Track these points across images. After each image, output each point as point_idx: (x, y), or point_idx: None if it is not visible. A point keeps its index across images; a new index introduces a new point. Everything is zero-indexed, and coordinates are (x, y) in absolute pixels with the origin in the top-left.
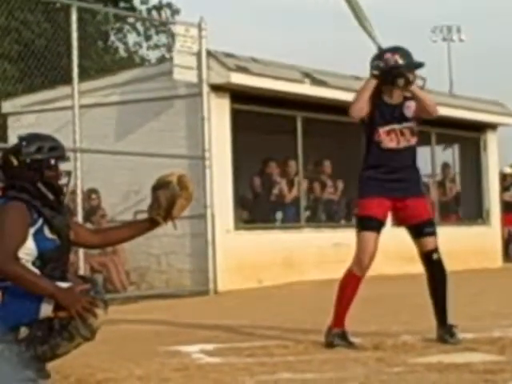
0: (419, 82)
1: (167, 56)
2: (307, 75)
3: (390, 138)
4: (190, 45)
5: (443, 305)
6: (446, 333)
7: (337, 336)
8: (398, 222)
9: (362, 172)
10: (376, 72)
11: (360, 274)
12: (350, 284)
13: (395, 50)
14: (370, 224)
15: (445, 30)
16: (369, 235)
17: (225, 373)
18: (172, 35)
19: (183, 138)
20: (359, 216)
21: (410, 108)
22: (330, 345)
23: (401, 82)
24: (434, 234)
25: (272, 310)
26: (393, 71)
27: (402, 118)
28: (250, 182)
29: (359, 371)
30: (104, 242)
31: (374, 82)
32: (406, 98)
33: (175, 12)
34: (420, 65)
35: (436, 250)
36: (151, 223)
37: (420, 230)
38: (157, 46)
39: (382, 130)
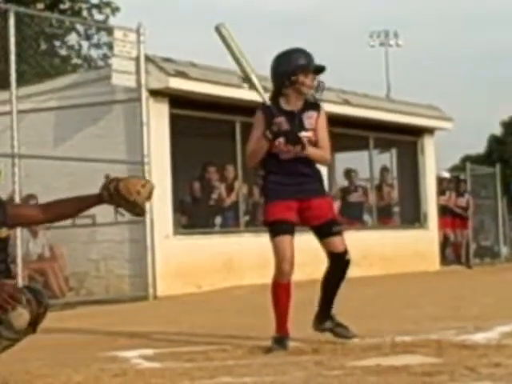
0: (316, 84)
1: (109, 54)
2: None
3: (286, 149)
4: (129, 50)
5: (333, 299)
6: (337, 326)
7: (274, 340)
8: (304, 223)
9: (264, 178)
10: (270, 136)
11: (285, 281)
12: (278, 292)
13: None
14: (281, 228)
15: (382, 35)
16: (283, 239)
17: (164, 378)
18: (111, 32)
19: (122, 143)
20: (269, 222)
21: (311, 118)
22: (268, 350)
23: (297, 148)
24: (340, 233)
25: (211, 315)
26: (288, 135)
27: (301, 127)
28: (189, 187)
29: (298, 375)
30: (51, 217)
31: (267, 144)
32: (305, 107)
33: (115, 10)
34: (322, 69)
35: (347, 252)
36: (98, 199)
37: (327, 230)
38: (98, 45)
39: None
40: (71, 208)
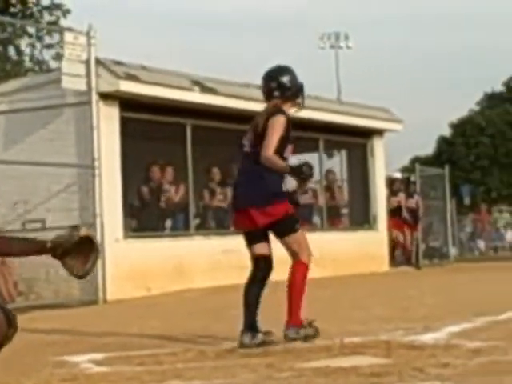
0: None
1: (62, 53)
2: (197, 83)
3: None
4: (79, 53)
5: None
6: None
7: (307, 324)
8: None
9: (273, 177)
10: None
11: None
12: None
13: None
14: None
15: (333, 38)
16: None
17: (114, 382)
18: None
19: (72, 147)
20: (290, 215)
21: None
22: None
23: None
24: None
25: (161, 319)
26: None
27: None
28: (136, 190)
29: (248, 377)
30: None
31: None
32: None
33: (66, 12)
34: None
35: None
36: (44, 249)
37: None
38: (51, 46)
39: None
40: (17, 248)
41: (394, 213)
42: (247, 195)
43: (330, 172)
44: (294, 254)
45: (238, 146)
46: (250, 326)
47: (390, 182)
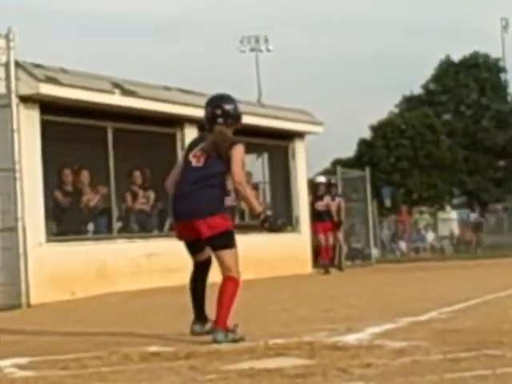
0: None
1: None
2: (117, 85)
3: None
4: None
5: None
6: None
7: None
8: None
9: (218, 193)
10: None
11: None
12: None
13: None
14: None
15: (253, 41)
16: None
17: None
18: None
19: None
20: (230, 230)
21: None
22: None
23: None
24: None
25: (86, 322)
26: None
27: None
28: (56, 193)
29: (173, 380)
30: None
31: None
32: None
33: None
34: None
35: None
36: None
37: None
38: None
39: None
40: None
41: (320, 217)
42: (193, 207)
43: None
44: (226, 269)
45: (183, 160)
46: (199, 316)
47: (313, 186)
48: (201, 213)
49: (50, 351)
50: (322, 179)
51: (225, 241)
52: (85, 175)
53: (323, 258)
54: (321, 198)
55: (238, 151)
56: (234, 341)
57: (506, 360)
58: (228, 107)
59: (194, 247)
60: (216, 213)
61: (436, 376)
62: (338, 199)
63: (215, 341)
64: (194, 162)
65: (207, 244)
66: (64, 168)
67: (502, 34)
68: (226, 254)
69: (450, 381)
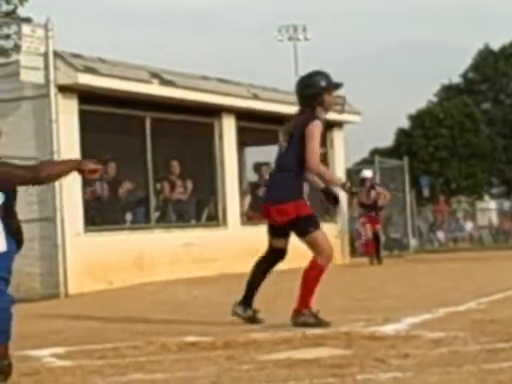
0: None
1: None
2: (155, 75)
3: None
4: (37, 45)
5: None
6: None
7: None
8: None
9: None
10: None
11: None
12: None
13: None
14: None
15: (291, 30)
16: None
17: (76, 376)
18: (20, 24)
19: (31, 140)
20: (305, 217)
21: None
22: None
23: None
24: None
25: (123, 312)
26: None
27: None
28: (98, 184)
29: (210, 370)
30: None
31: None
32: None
33: (23, 0)
34: (340, 85)
35: None
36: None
37: None
38: (8, 36)
39: None
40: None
41: (369, 209)
42: (270, 192)
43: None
44: (313, 253)
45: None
46: (247, 300)
47: (360, 182)
48: (273, 198)
49: (87, 341)
50: (367, 174)
51: (300, 227)
52: (141, 166)
53: (369, 250)
54: (368, 191)
55: (311, 129)
56: (316, 325)
57: None
58: (314, 85)
59: (271, 229)
60: (286, 199)
61: (474, 366)
62: (377, 188)
63: (296, 323)
64: (283, 147)
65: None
66: (115, 162)
67: None
68: (306, 240)
69: (488, 371)
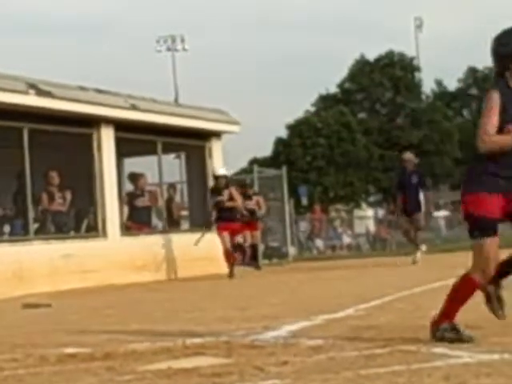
0: None
1: None
2: (32, 86)
3: None
4: None
5: None
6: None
7: (448, 328)
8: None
9: (475, 165)
10: None
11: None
12: (472, 289)
13: None
14: (490, 228)
15: (169, 40)
16: (492, 241)
17: None
18: None
19: None
20: (475, 216)
21: None
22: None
23: None
24: None
25: (1, 324)
26: None
27: None
28: None
29: (90, 381)
30: None
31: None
32: None
33: None
34: None
35: None
36: None
37: None
38: None
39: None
40: None
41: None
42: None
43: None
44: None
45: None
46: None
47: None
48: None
49: None
50: (222, 172)
51: (469, 228)
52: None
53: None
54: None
55: (486, 99)
56: (456, 340)
57: (420, 355)
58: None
59: None
60: (466, 189)
61: (351, 372)
62: (255, 198)
63: (435, 337)
64: None
65: None
66: None
67: (416, 33)
68: (472, 244)
69: (366, 377)
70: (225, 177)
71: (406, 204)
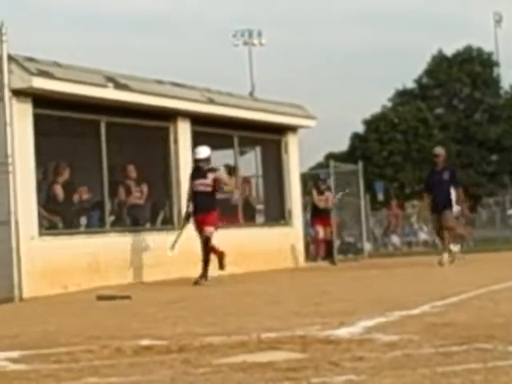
0: None
1: None
2: (110, 79)
3: None
4: None
5: None
6: None
7: None
8: None
9: None
10: None
11: None
12: None
13: None
14: None
15: (246, 34)
16: None
17: (30, 380)
18: None
19: None
20: None
21: None
22: None
23: None
24: None
25: (77, 316)
26: None
27: None
28: (52, 188)
29: (165, 373)
30: None
31: None
32: None
33: None
34: None
35: None
36: None
37: None
38: None
39: None
40: None
41: (321, 211)
42: None
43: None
44: None
45: None
46: None
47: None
48: None
49: (42, 345)
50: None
51: None
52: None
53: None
54: (322, 193)
55: None
56: None
57: (497, 353)
58: None
59: None
60: None
61: (428, 369)
62: (326, 194)
63: None
64: None
65: None
66: (60, 162)
67: (495, 28)
68: None
69: (442, 374)
70: (206, 160)
71: (436, 201)
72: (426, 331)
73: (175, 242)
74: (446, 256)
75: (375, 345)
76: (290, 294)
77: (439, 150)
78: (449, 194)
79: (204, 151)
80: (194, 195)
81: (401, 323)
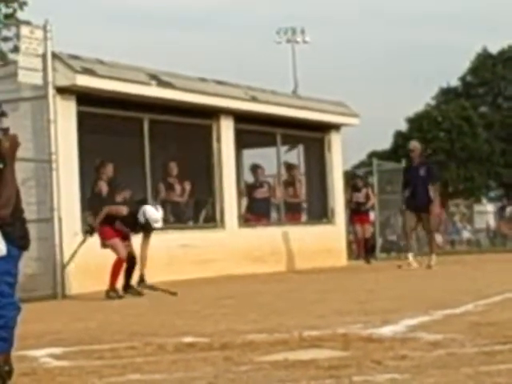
0: None
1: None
2: (153, 77)
3: None
4: (36, 47)
5: None
6: None
7: None
8: None
9: None
10: None
11: None
12: None
13: None
14: None
15: (289, 32)
16: None
17: (73, 376)
18: (18, 26)
19: (29, 141)
20: None
21: None
22: None
23: None
24: None
25: (121, 312)
26: None
27: None
28: (95, 185)
29: (207, 371)
30: None
31: None
32: None
33: (23, 4)
34: None
35: None
36: None
37: None
38: (6, 39)
39: None
40: None
41: (359, 209)
42: None
43: (290, 166)
44: None
45: None
46: None
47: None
48: None
49: (84, 341)
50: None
51: None
52: (137, 168)
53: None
54: (359, 190)
55: None
56: None
57: None
58: None
59: None
60: None
61: (471, 369)
62: (364, 190)
63: None
64: None
65: None
66: (106, 160)
67: None
68: None
69: (486, 373)
70: None
71: (414, 199)
72: (470, 330)
73: (80, 245)
74: (434, 258)
75: (418, 343)
76: (332, 292)
77: (414, 144)
78: (427, 192)
79: None
80: None
81: (444, 322)
